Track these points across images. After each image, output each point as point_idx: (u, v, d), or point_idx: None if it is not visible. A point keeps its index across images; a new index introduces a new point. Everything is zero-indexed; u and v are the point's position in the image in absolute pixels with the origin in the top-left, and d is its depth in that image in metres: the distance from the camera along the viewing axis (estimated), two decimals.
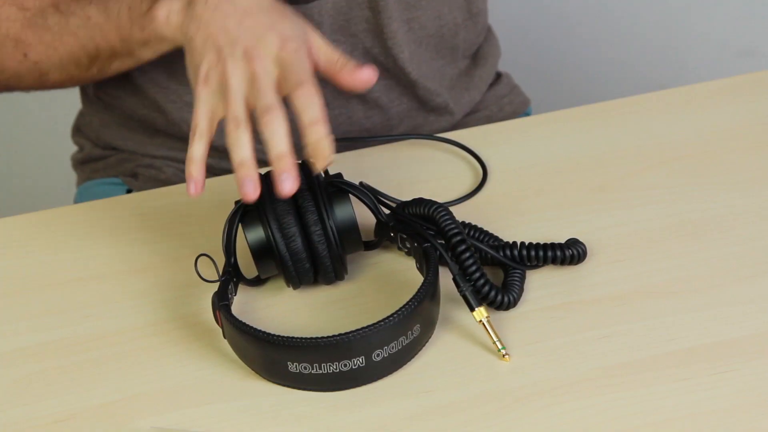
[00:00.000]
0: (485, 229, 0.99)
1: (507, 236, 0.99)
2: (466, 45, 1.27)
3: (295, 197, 0.91)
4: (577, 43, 2.17)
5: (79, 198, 1.32)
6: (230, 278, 0.93)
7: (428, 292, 0.89)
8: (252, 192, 0.87)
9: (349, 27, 1.15)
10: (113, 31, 1.05)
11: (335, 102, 1.19)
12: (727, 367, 0.89)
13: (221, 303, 0.90)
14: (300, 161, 0.91)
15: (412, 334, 0.88)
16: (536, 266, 0.97)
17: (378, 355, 0.87)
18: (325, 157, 0.88)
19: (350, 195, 0.94)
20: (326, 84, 1.18)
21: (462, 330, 0.92)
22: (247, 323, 0.88)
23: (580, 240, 0.97)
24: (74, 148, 1.35)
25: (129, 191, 1.26)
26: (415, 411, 0.87)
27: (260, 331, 0.87)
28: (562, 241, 0.97)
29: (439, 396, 0.88)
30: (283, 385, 0.88)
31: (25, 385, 0.90)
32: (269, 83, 0.89)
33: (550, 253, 0.96)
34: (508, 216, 1.04)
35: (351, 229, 0.93)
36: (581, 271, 0.98)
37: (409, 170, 1.10)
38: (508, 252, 0.96)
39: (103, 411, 0.88)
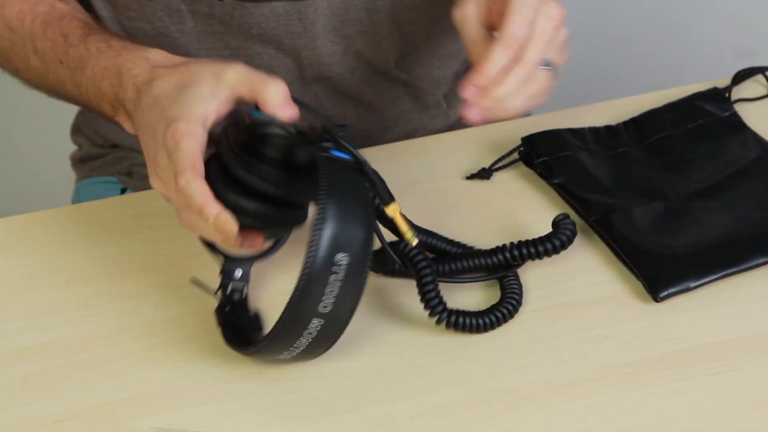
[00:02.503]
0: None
1: (507, 236, 0.99)
2: (463, 47, 1.26)
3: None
4: (577, 43, 2.17)
5: (76, 196, 1.32)
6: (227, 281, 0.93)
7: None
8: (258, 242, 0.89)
9: (343, 29, 1.15)
10: (89, 105, 1.04)
11: (329, 103, 1.19)
12: (727, 367, 0.89)
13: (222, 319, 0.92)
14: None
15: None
16: (519, 265, 0.97)
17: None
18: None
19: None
20: (320, 84, 1.18)
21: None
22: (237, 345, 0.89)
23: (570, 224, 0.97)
24: (74, 148, 1.35)
25: (124, 190, 1.26)
26: (415, 411, 0.87)
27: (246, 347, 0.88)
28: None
29: (439, 396, 0.88)
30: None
31: (25, 385, 0.90)
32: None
33: (539, 248, 0.95)
34: (508, 216, 1.04)
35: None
36: (581, 271, 0.98)
37: (408, 170, 1.10)
38: (494, 258, 0.96)
39: (103, 411, 0.88)
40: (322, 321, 0.83)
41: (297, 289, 0.82)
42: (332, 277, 0.82)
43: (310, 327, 0.83)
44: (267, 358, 0.88)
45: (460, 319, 0.91)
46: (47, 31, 1.06)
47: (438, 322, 0.91)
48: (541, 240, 0.95)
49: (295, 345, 0.84)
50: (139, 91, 0.94)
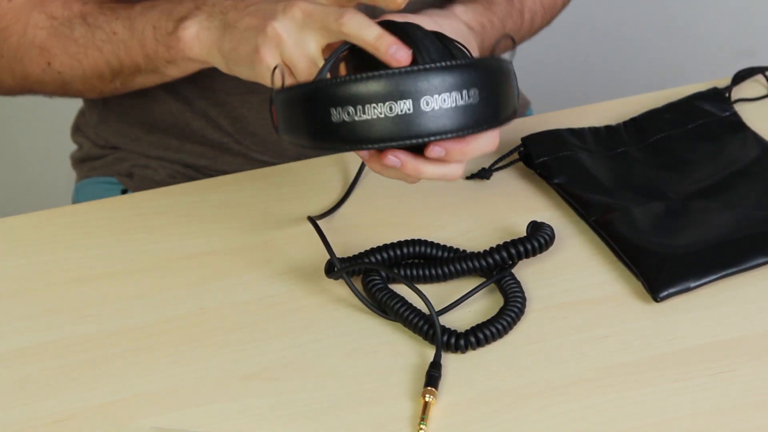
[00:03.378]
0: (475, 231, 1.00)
1: (507, 236, 0.99)
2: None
3: None
4: (577, 43, 2.17)
5: (76, 196, 1.32)
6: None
7: (492, 63, 0.86)
8: (404, 55, 0.86)
9: None
10: (137, 48, 1.05)
11: None
12: (727, 367, 0.89)
13: (276, 94, 0.88)
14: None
15: (468, 96, 0.84)
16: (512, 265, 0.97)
17: (427, 103, 0.83)
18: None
19: None
20: None
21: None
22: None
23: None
24: (74, 148, 1.35)
25: (124, 191, 1.26)
26: (416, 411, 0.87)
27: (303, 82, 0.86)
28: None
29: (440, 396, 0.87)
30: (330, 149, 0.86)
31: (25, 385, 0.90)
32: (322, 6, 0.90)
33: (525, 247, 0.96)
34: (508, 216, 1.04)
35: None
36: (581, 272, 0.98)
37: None
38: (483, 262, 0.96)
39: (103, 411, 0.88)
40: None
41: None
42: (456, 94, 0.84)
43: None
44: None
45: (479, 335, 0.91)
46: (103, 7, 1.07)
47: (459, 351, 0.91)
48: (527, 238, 0.96)
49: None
50: None
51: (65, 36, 1.08)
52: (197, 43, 1.00)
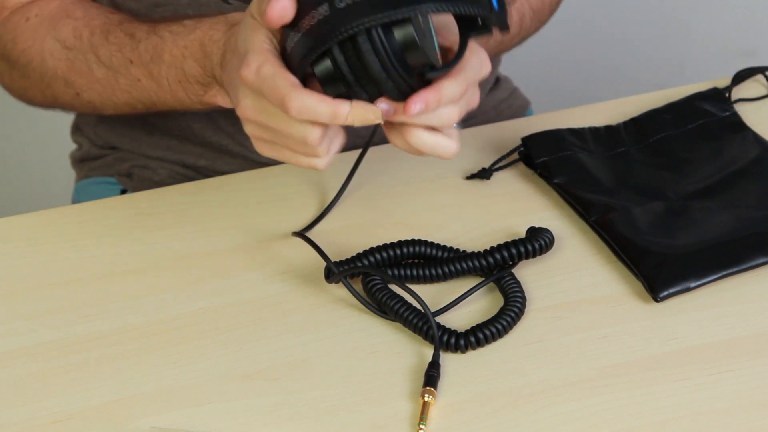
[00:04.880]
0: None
1: (506, 237, 0.99)
2: None
3: None
4: (577, 43, 2.17)
5: (76, 196, 1.32)
6: None
7: None
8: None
9: None
10: (169, 97, 1.04)
11: None
12: (727, 367, 0.89)
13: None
14: None
15: None
16: (512, 265, 0.97)
17: None
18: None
19: None
20: None
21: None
22: None
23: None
24: (74, 147, 1.35)
25: (124, 191, 1.26)
26: (415, 411, 0.87)
27: None
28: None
29: (440, 396, 0.87)
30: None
31: (25, 385, 0.90)
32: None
33: (522, 249, 0.96)
34: (508, 216, 1.04)
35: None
36: (581, 272, 0.98)
37: (408, 170, 1.10)
38: (483, 261, 0.96)
39: (103, 411, 0.88)
40: None
41: None
42: None
43: None
44: None
45: (479, 335, 0.91)
46: (109, 38, 1.05)
47: (459, 351, 0.91)
48: (528, 239, 0.96)
49: None
50: (223, 54, 0.95)
51: (86, 74, 1.08)
52: (228, 104, 1.00)
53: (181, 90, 1.02)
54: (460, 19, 0.89)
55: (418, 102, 0.85)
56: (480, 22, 0.87)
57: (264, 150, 0.91)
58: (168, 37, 1.01)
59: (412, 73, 0.85)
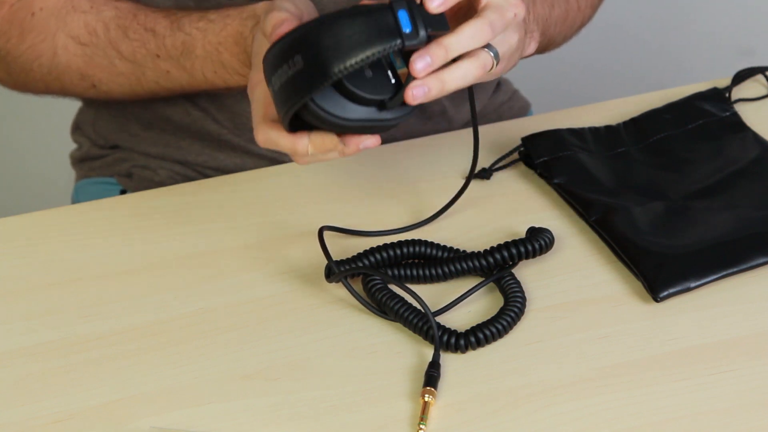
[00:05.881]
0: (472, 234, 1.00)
1: (506, 236, 0.99)
2: None
3: None
4: (577, 43, 2.17)
5: (76, 196, 1.32)
6: None
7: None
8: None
9: None
10: (203, 85, 1.07)
11: None
12: (727, 367, 0.89)
13: None
14: None
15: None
16: (512, 265, 0.97)
17: None
18: None
19: None
20: None
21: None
22: None
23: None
24: (74, 146, 1.35)
25: (123, 191, 1.26)
26: (415, 411, 0.87)
27: None
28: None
29: (440, 396, 0.87)
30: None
31: (25, 385, 0.90)
32: None
33: (522, 249, 0.96)
34: (508, 216, 1.04)
35: None
36: (581, 272, 0.98)
37: (408, 170, 1.10)
38: (483, 261, 0.96)
39: (103, 411, 0.88)
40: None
41: None
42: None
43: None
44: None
45: (479, 335, 0.91)
46: (129, 33, 1.06)
47: (459, 351, 0.91)
48: (528, 239, 0.96)
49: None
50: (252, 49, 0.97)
51: (106, 67, 1.08)
52: None
53: (217, 79, 1.05)
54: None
55: (419, 59, 0.86)
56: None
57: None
58: (197, 34, 1.03)
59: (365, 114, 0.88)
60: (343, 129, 0.88)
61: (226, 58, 1.02)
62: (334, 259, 0.96)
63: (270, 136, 0.89)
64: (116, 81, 1.09)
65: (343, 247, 0.99)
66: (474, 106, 1.01)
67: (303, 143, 0.88)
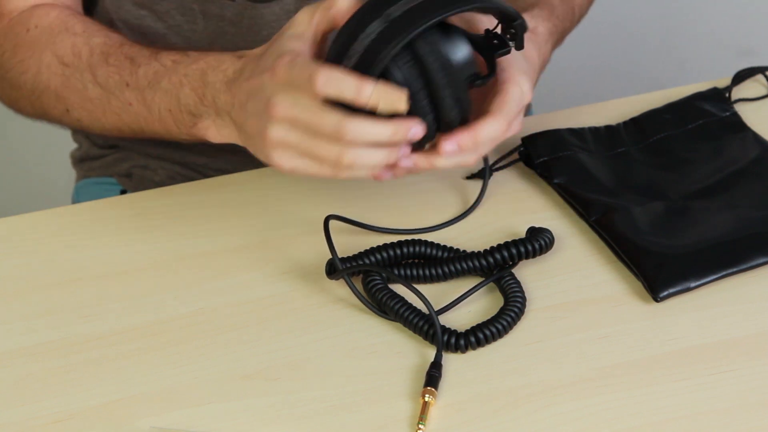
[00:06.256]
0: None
1: (506, 236, 0.99)
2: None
3: None
4: (577, 43, 2.17)
5: (76, 196, 1.32)
6: None
7: None
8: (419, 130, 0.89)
9: None
10: (157, 124, 1.04)
11: None
12: (727, 367, 0.89)
13: None
14: None
15: None
16: (512, 265, 0.97)
17: None
18: None
19: None
20: None
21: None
22: None
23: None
24: (74, 146, 1.35)
25: (123, 191, 1.26)
26: (415, 411, 0.87)
27: None
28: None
29: (439, 396, 0.88)
30: None
31: (25, 385, 0.90)
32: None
33: (522, 249, 0.96)
34: (508, 216, 1.04)
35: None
36: (581, 272, 0.98)
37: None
38: (483, 261, 0.96)
39: (103, 411, 0.88)
40: None
41: None
42: None
43: None
44: None
45: (479, 335, 0.91)
46: (109, 59, 1.05)
47: (459, 351, 0.91)
48: (528, 239, 0.97)
49: None
50: (232, 79, 0.95)
51: (79, 91, 1.07)
52: (219, 137, 1.00)
53: (170, 118, 1.02)
54: (481, 43, 0.93)
55: (449, 143, 0.91)
56: (501, 40, 0.93)
57: (285, 160, 0.91)
58: (170, 65, 1.01)
59: (464, 80, 0.90)
60: (435, 79, 0.89)
61: (186, 93, 0.99)
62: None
63: (334, 74, 0.86)
64: (85, 107, 1.07)
65: (343, 247, 0.99)
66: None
67: (369, 86, 0.86)
